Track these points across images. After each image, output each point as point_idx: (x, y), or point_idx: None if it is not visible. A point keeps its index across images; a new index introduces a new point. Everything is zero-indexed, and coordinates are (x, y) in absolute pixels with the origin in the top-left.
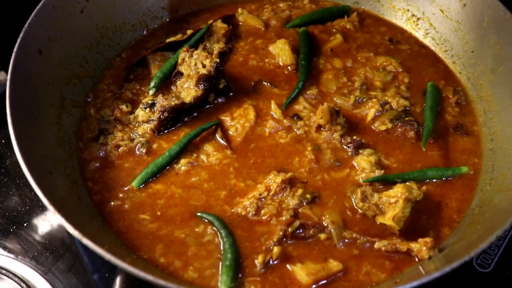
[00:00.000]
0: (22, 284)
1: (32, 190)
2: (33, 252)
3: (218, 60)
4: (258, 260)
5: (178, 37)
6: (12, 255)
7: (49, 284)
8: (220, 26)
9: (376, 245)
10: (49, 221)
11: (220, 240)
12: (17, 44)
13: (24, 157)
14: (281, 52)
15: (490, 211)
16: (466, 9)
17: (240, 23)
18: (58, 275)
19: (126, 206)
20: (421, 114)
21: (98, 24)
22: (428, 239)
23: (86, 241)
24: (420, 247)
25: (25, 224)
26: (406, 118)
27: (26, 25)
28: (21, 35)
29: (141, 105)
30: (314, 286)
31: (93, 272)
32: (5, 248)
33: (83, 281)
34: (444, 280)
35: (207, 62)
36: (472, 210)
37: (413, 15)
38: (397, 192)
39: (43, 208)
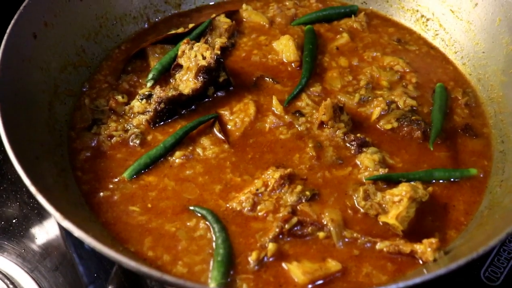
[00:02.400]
0: (6, 280)
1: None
2: (20, 249)
3: (219, 52)
4: (252, 257)
5: (180, 30)
6: None
7: (35, 282)
8: (223, 21)
9: (378, 246)
10: (46, 230)
11: (213, 235)
12: (10, 26)
13: (9, 138)
14: (285, 49)
15: (500, 212)
16: (478, 9)
17: (244, 19)
18: (44, 273)
19: (115, 197)
20: (428, 114)
21: (97, 14)
22: (433, 240)
23: (66, 224)
24: (425, 248)
25: (22, 233)
26: (413, 117)
27: (21, 7)
28: (15, 17)
29: (137, 96)
30: (310, 286)
31: (88, 283)
32: None
33: (70, 280)
34: None
35: (207, 54)
36: (481, 212)
37: (422, 16)
38: (402, 190)
39: (41, 218)
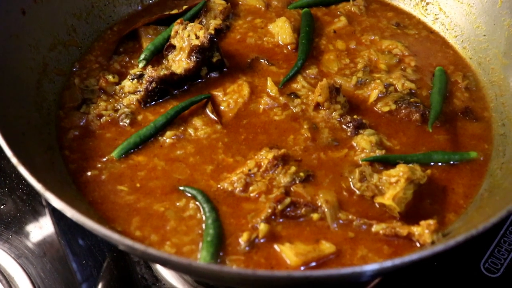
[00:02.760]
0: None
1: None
2: (15, 246)
3: (213, 32)
4: (243, 238)
5: (174, 12)
6: None
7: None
8: (218, 3)
9: (374, 228)
10: (40, 227)
11: (203, 215)
12: None
13: None
14: (281, 31)
15: (500, 194)
16: None
17: (240, 2)
18: (39, 270)
19: (103, 176)
20: (427, 97)
21: None
22: (431, 221)
23: (48, 195)
24: (422, 230)
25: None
26: (411, 100)
27: None
28: None
29: (128, 76)
30: (302, 268)
31: (81, 281)
32: None
33: (64, 278)
34: (449, 285)
35: (200, 33)
36: (481, 195)
37: (422, 0)
38: (399, 171)
39: (35, 215)
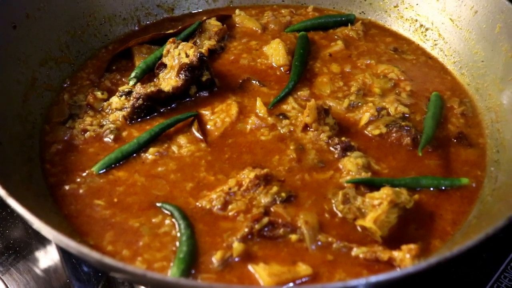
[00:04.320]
0: None
1: None
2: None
3: (203, 50)
4: (216, 256)
5: (169, 32)
6: None
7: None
8: (213, 24)
9: (354, 252)
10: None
11: (178, 232)
12: None
13: None
14: (274, 53)
15: (487, 220)
16: (478, 16)
17: (237, 25)
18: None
19: (81, 190)
20: (421, 122)
21: (85, 12)
22: (412, 246)
23: (11, 201)
24: (404, 255)
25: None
26: (403, 123)
27: None
28: None
29: (117, 93)
30: None
31: None
32: None
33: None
34: None
35: (190, 52)
36: (469, 222)
37: (421, 25)
38: (383, 193)
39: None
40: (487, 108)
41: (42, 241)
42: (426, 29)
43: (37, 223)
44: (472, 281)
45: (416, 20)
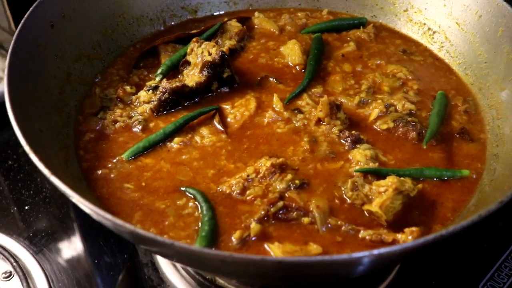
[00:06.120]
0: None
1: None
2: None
3: (225, 50)
4: (235, 235)
5: (192, 32)
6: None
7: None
8: (234, 25)
9: (361, 234)
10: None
11: (200, 214)
12: (28, 12)
13: (14, 110)
14: (291, 52)
15: (483, 207)
16: (482, 20)
17: (256, 26)
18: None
19: (112, 175)
20: (426, 118)
21: (115, 13)
22: (414, 229)
23: (54, 179)
24: (406, 237)
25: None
26: (409, 119)
27: None
28: (34, 4)
29: (145, 88)
30: None
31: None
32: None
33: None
34: None
35: (213, 50)
36: (468, 209)
37: (429, 29)
38: (388, 181)
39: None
40: (489, 106)
41: (67, 230)
42: (434, 32)
43: (76, 198)
44: (473, 270)
45: (424, 24)
